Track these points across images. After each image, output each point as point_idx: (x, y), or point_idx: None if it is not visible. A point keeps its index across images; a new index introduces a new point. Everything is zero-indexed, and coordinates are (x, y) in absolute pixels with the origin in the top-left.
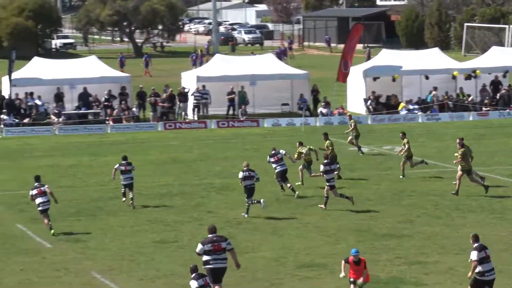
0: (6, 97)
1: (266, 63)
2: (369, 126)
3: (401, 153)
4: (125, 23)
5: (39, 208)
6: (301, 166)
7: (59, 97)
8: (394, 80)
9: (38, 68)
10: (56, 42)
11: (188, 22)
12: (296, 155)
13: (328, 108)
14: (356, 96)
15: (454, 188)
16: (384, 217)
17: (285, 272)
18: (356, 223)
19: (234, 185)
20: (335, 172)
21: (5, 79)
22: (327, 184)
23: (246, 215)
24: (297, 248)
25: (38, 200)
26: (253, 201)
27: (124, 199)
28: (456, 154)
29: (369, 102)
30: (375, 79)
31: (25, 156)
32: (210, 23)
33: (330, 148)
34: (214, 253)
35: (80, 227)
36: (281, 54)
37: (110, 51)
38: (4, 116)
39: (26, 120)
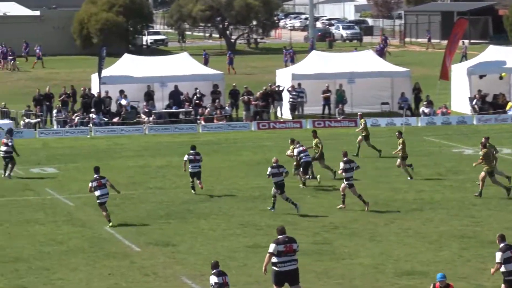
0: (95, 95)
1: (365, 60)
2: (475, 127)
3: (395, 152)
4: (218, 19)
5: (98, 201)
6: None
7: (149, 96)
8: (501, 78)
9: (128, 65)
10: (147, 39)
11: (283, 17)
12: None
13: (431, 108)
14: (460, 95)
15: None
16: (490, 223)
17: (384, 280)
18: (459, 229)
19: (330, 187)
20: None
21: (95, 77)
22: (346, 182)
23: (273, 210)
24: (397, 255)
25: (98, 193)
26: (289, 200)
27: (194, 191)
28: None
29: (474, 101)
30: (481, 77)
31: (114, 156)
32: (306, 19)
33: (319, 147)
34: (285, 255)
35: (170, 230)
36: (381, 51)
37: (202, 47)
38: (92, 115)
39: (115, 119)
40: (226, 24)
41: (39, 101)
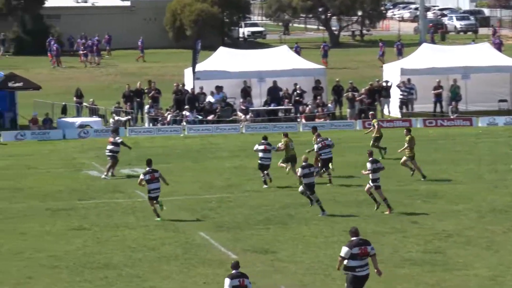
0: (189, 91)
1: (481, 54)
2: None
3: (401, 151)
4: (320, 9)
5: (150, 195)
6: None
7: (246, 92)
8: None
9: (224, 59)
10: (244, 31)
11: (391, 7)
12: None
13: None
14: None
15: None
16: None
17: None
18: None
19: (443, 192)
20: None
21: (188, 72)
22: (373, 184)
23: (311, 204)
24: None
25: (151, 186)
26: (319, 202)
27: (265, 185)
28: None
29: None
30: None
31: (208, 156)
32: (416, 8)
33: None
34: (361, 258)
35: (269, 236)
36: (500, 44)
37: (303, 40)
38: (186, 113)
39: (210, 117)
40: (329, 14)
41: (129, 98)
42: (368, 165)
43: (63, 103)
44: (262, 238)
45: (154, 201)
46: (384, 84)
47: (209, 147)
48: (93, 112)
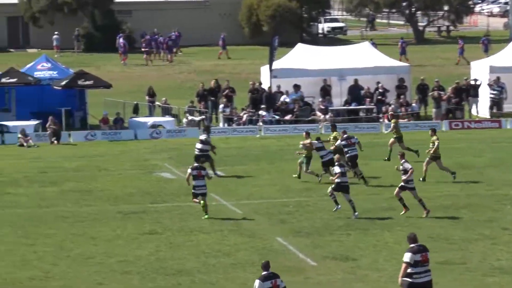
0: (266, 90)
1: None
2: None
3: (428, 152)
4: (404, 4)
5: (194, 191)
6: (300, 159)
7: (325, 91)
8: None
9: (302, 56)
10: (324, 26)
11: (480, 1)
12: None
13: None
14: None
15: None
16: None
17: None
18: None
19: None
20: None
21: (265, 69)
22: (407, 185)
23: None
24: None
25: (196, 183)
26: (351, 203)
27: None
28: None
29: None
30: None
31: (286, 158)
32: (507, 3)
33: (337, 138)
34: (422, 265)
35: (350, 242)
36: None
37: (386, 36)
38: (263, 112)
39: (288, 117)
40: (413, 9)
41: (203, 97)
42: (404, 165)
43: (135, 102)
44: (342, 244)
45: (199, 198)
46: (472, 82)
47: (287, 148)
48: (165, 111)
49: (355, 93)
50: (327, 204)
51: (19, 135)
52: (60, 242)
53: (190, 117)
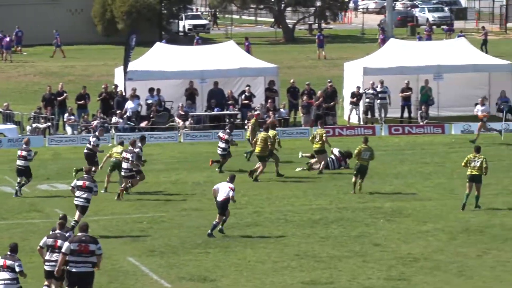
0: (119, 94)
1: (456, 51)
2: None
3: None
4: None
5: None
6: None
7: (192, 95)
8: None
9: (161, 57)
10: (185, 24)
11: None
12: None
13: None
14: None
15: None
16: None
17: None
18: None
19: (409, 210)
20: None
21: (119, 71)
22: None
23: None
24: None
25: (78, 194)
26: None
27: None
28: None
29: None
30: None
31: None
32: None
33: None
34: (78, 255)
35: (209, 262)
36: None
37: (252, 35)
38: (116, 119)
39: (143, 124)
40: (283, 5)
41: (49, 101)
42: None
43: None
44: (201, 264)
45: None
46: (361, 91)
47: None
48: (7, 118)
49: (216, 97)
50: (185, 220)
51: None
52: None
53: (34, 125)
